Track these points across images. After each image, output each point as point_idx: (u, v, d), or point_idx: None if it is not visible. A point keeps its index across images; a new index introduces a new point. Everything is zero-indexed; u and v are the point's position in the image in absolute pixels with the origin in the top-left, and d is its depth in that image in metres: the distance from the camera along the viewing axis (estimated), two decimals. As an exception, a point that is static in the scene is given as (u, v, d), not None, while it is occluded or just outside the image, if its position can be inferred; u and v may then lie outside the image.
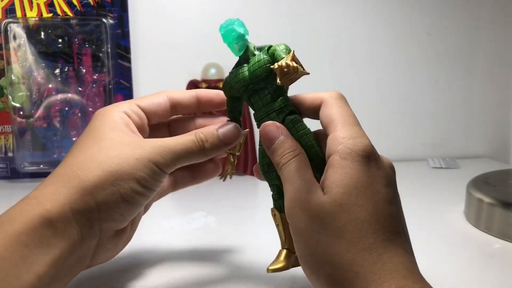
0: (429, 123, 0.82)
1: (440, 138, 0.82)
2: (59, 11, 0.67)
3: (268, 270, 0.33)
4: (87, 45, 0.67)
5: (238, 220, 0.52)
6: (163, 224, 0.50)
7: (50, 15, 0.67)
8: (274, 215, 0.34)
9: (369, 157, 0.29)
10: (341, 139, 0.29)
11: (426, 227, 0.50)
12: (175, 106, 0.37)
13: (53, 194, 0.29)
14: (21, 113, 0.66)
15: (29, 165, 0.67)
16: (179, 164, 0.32)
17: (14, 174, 0.69)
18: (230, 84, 0.34)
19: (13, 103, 0.65)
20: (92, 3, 0.67)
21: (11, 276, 0.25)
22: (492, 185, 0.54)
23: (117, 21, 0.68)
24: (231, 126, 0.34)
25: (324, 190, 0.29)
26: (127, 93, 0.70)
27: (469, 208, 0.52)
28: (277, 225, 0.34)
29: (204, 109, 0.38)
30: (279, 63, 0.30)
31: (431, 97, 0.81)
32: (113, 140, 0.32)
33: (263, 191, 0.62)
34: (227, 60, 0.71)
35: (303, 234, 0.29)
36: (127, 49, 0.69)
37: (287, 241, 0.33)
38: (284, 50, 0.32)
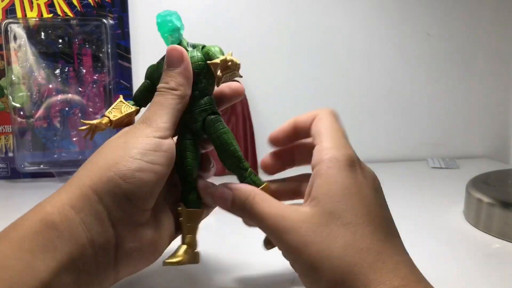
0: (429, 123, 0.82)
1: (440, 138, 0.82)
2: (59, 12, 0.67)
3: (164, 263, 0.32)
4: (87, 46, 0.67)
5: (238, 220, 0.52)
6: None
7: (50, 15, 0.67)
8: (180, 210, 0.34)
9: (354, 165, 0.30)
10: (326, 150, 0.30)
11: (425, 227, 0.50)
12: None
13: (53, 197, 0.29)
14: (22, 113, 0.66)
15: (29, 165, 0.67)
16: (170, 119, 0.32)
17: (14, 174, 0.69)
18: (156, 72, 0.34)
19: (13, 103, 0.65)
20: (92, 4, 0.67)
21: (15, 285, 0.24)
22: (492, 185, 0.54)
23: (117, 21, 0.68)
24: (168, 52, 0.33)
25: (312, 202, 0.29)
26: (127, 93, 0.70)
27: (468, 208, 0.52)
28: (180, 221, 0.34)
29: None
30: (223, 57, 0.32)
31: (431, 97, 0.81)
32: (112, 141, 0.31)
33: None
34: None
35: (295, 252, 0.28)
36: (127, 50, 0.70)
37: (187, 237, 0.33)
38: (219, 52, 0.33)
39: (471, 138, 0.84)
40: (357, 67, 0.78)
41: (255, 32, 0.74)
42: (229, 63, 0.32)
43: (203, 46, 0.34)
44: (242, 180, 0.34)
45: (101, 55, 0.67)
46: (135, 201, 0.29)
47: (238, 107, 0.70)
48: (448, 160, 0.79)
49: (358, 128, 0.79)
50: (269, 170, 0.38)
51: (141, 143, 0.30)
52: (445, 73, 0.80)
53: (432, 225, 0.51)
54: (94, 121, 0.34)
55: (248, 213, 0.32)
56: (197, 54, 0.33)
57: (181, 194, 0.34)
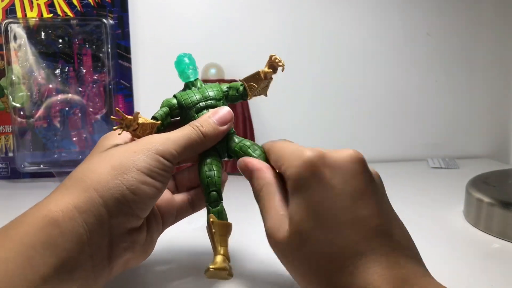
0: (429, 123, 0.82)
1: (440, 138, 0.82)
2: (59, 12, 0.67)
3: (208, 272, 0.32)
4: (87, 46, 0.67)
5: (238, 220, 0.52)
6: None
7: (51, 15, 0.67)
8: (212, 222, 0.34)
9: (312, 169, 0.29)
10: (286, 168, 0.31)
11: (425, 227, 0.50)
12: None
13: (56, 196, 0.30)
14: (22, 113, 0.66)
15: (30, 165, 0.67)
16: (181, 150, 0.33)
17: (14, 174, 0.69)
18: (178, 100, 0.37)
19: (13, 103, 0.66)
20: (92, 3, 0.67)
21: (16, 278, 0.25)
22: (492, 185, 0.54)
23: (117, 21, 0.68)
24: (223, 109, 0.37)
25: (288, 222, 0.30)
26: (127, 93, 0.70)
27: (468, 208, 0.52)
28: (213, 233, 0.34)
29: None
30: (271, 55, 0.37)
31: (431, 97, 0.81)
32: (115, 147, 0.33)
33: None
34: (227, 60, 0.72)
35: (283, 264, 0.31)
36: (127, 50, 0.70)
37: (222, 248, 0.33)
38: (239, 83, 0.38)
39: (471, 138, 0.84)
40: (357, 67, 0.78)
41: (254, 32, 0.74)
42: (276, 59, 0.36)
43: (217, 84, 0.39)
44: None
45: (101, 55, 0.67)
46: (136, 210, 0.31)
47: (238, 107, 0.70)
48: (448, 160, 0.79)
49: (358, 128, 0.79)
50: None
51: (150, 157, 0.32)
52: (445, 73, 0.80)
53: (432, 225, 0.51)
54: (128, 117, 0.34)
55: (257, 201, 0.34)
56: (217, 84, 0.39)
57: (208, 206, 0.35)
